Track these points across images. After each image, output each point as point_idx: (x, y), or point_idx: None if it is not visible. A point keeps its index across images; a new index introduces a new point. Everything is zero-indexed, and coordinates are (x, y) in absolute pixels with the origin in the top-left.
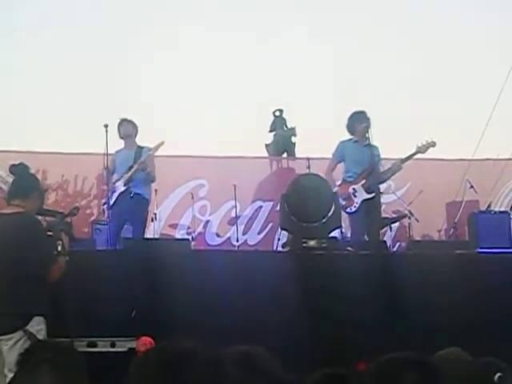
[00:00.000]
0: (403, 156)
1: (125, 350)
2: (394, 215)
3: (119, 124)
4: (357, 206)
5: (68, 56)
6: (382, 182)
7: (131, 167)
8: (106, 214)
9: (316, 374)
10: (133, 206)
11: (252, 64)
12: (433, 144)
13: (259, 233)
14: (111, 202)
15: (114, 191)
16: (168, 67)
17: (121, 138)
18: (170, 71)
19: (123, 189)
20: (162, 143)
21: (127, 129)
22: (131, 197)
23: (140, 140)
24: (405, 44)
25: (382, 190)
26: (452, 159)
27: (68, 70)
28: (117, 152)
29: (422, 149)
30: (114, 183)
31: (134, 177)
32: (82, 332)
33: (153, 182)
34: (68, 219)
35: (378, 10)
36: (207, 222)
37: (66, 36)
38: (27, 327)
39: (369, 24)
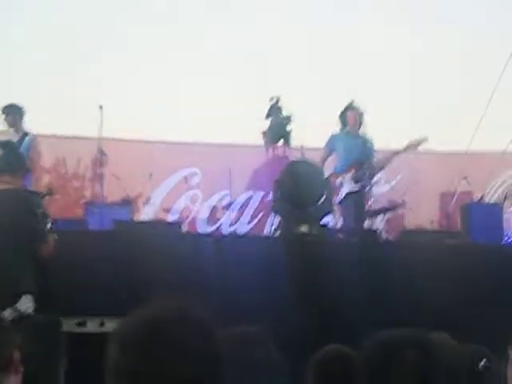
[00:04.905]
0: (395, 150)
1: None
2: (388, 205)
3: None
4: (341, 196)
5: (64, 36)
6: (372, 176)
7: None
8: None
9: (328, 352)
10: None
11: (250, 51)
12: (425, 140)
13: (249, 222)
14: None
15: None
16: (166, 51)
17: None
18: (168, 55)
19: None
20: None
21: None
22: None
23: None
24: (405, 36)
25: (372, 182)
26: (445, 152)
27: (64, 50)
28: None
29: (414, 145)
30: None
31: None
32: (72, 311)
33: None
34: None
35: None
36: (198, 210)
37: (62, 14)
38: (16, 305)
39: (371, 16)
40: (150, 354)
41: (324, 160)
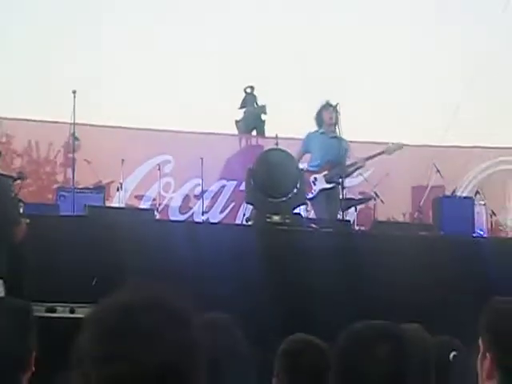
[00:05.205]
0: (369, 154)
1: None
2: (360, 196)
3: None
4: (314, 193)
5: (38, 21)
6: (346, 176)
7: None
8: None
9: (295, 340)
10: None
11: (226, 39)
12: (400, 147)
13: (221, 212)
14: None
15: None
16: (138, 37)
17: None
18: (142, 41)
19: None
20: None
21: None
22: None
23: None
24: (377, 29)
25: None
26: (418, 145)
27: (37, 35)
28: None
29: (389, 150)
30: None
31: None
32: (42, 297)
33: None
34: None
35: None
36: (171, 198)
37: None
38: None
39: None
40: (122, 341)
41: (298, 158)
